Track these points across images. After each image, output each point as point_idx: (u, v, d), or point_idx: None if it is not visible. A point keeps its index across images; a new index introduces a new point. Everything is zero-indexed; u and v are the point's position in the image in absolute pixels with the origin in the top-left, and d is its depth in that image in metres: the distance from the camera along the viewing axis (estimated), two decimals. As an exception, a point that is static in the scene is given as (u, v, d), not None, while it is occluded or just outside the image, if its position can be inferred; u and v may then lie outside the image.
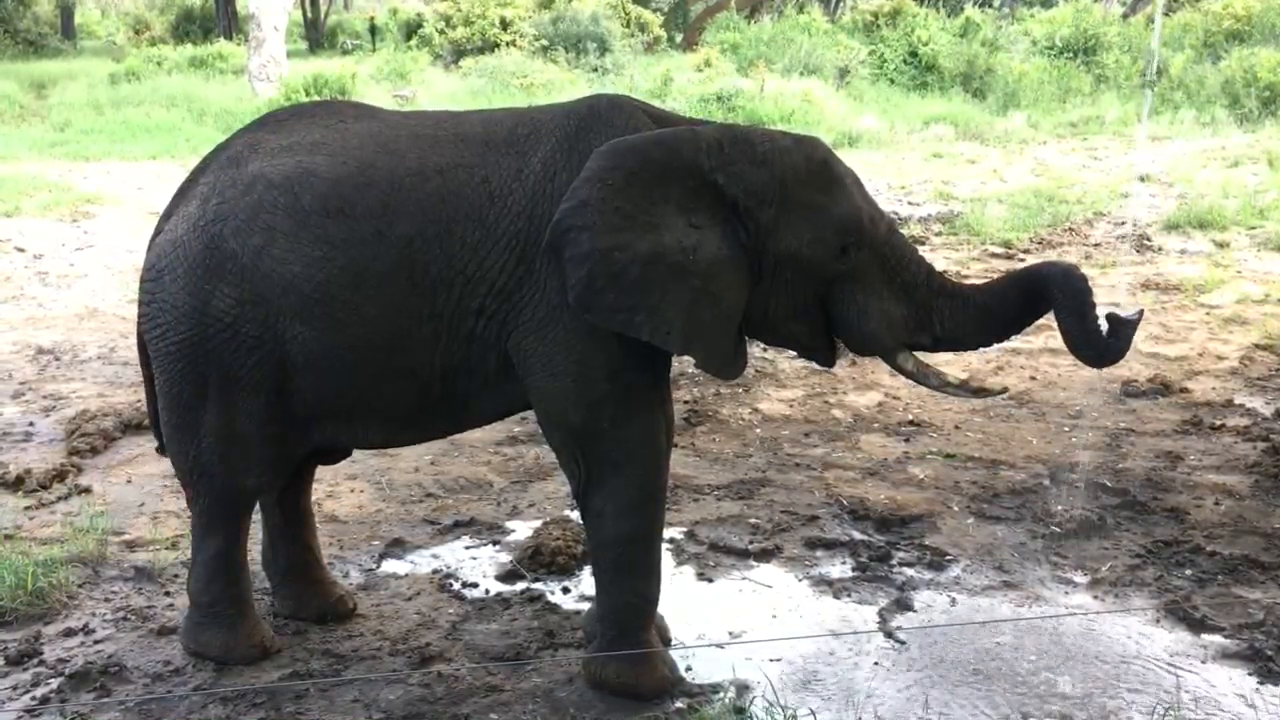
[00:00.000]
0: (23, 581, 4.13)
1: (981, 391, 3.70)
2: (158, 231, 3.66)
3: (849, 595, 4.41)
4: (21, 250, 9.84)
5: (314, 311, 3.43)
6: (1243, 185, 12.03)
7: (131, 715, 3.53)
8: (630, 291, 3.28)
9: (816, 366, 7.15)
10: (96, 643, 3.96)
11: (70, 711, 3.52)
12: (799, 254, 3.41)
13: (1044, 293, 3.40)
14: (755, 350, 6.48)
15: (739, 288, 3.40)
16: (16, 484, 5.27)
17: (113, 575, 4.45)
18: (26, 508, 5.07)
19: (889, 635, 4.10)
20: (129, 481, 5.40)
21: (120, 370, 6.99)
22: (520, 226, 3.41)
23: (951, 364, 7.27)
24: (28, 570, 4.17)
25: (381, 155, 3.48)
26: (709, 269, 3.34)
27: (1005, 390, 3.93)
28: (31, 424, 6.13)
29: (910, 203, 12.08)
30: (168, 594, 4.31)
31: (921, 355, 3.66)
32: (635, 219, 3.29)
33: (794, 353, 3.80)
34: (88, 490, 5.28)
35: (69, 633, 4.02)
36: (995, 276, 4.00)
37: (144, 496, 5.23)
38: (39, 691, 3.65)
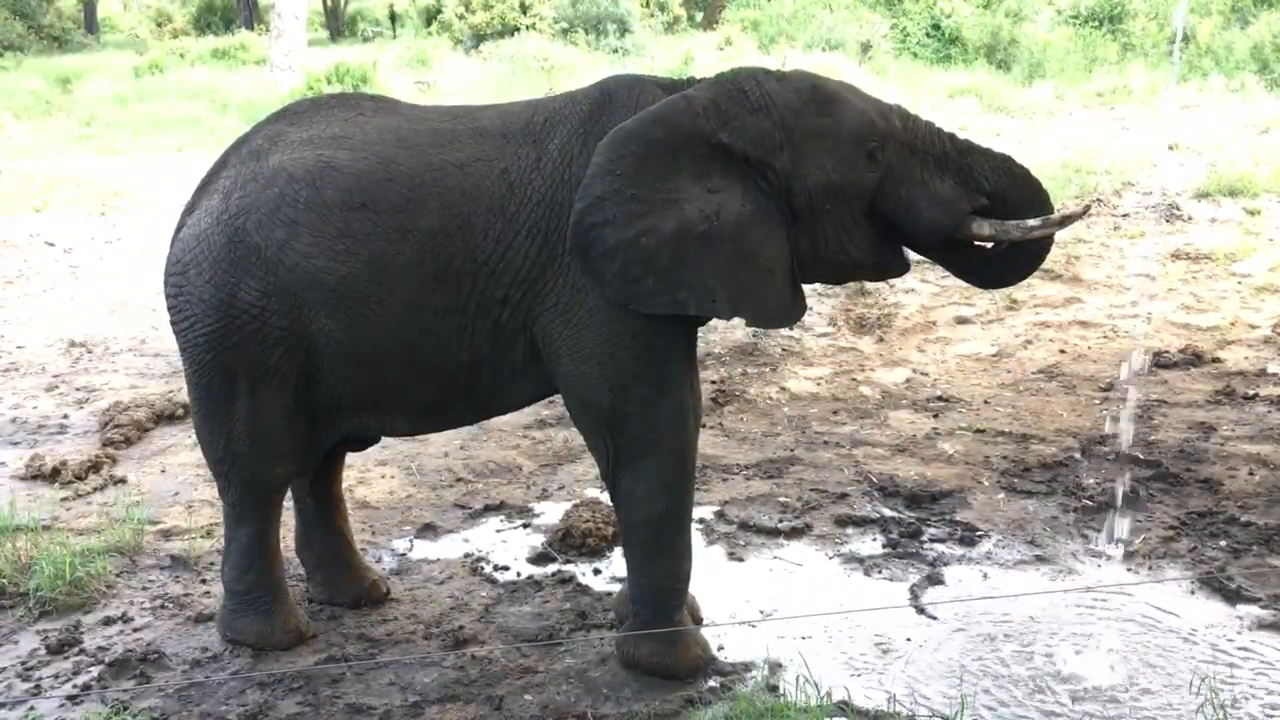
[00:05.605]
0: (61, 572, 4.18)
1: (1066, 220, 3.52)
2: (180, 225, 3.67)
3: (880, 572, 4.40)
4: (51, 244, 9.93)
5: (339, 304, 3.44)
6: (1273, 152, 11.85)
7: (171, 701, 3.58)
8: (667, 273, 3.29)
9: (843, 343, 7.13)
10: (135, 631, 4.01)
11: (111, 698, 3.57)
12: (829, 181, 3.39)
13: None
14: (782, 330, 6.48)
15: (774, 237, 3.40)
16: (53, 476, 5.33)
17: (149, 564, 4.50)
18: (63, 499, 5.13)
19: (921, 611, 4.09)
20: (163, 471, 5.46)
21: (151, 361, 7.05)
22: (541, 214, 3.42)
23: (979, 338, 7.23)
24: (66, 561, 4.22)
25: (402, 150, 3.50)
26: (737, 228, 3.34)
27: (1088, 209, 3.76)
28: (66, 416, 6.20)
29: (935, 177, 11.98)
30: (204, 582, 4.35)
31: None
32: (653, 201, 3.30)
33: (865, 281, 3.76)
34: (123, 481, 5.34)
35: (108, 621, 4.07)
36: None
37: (178, 486, 5.28)
38: (80, 679, 3.71)
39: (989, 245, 3.60)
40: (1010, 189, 3.50)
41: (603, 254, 3.29)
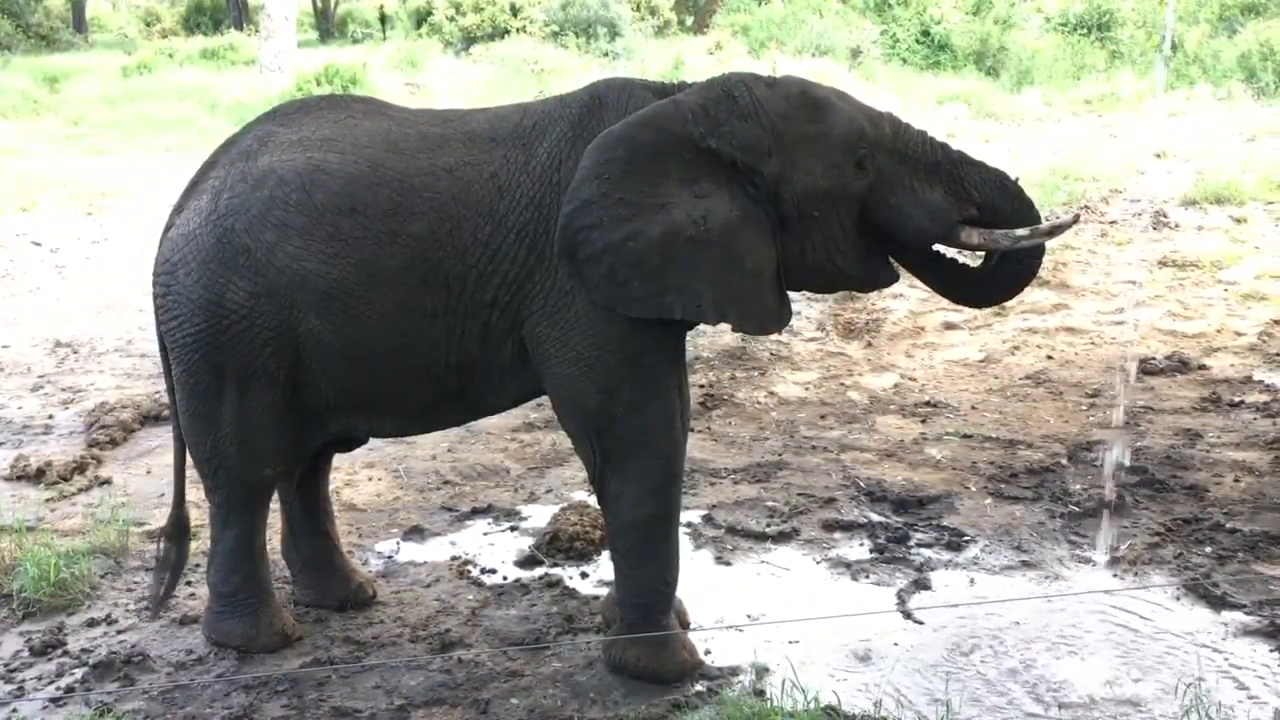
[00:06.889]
0: (46, 573, 4.16)
1: (1054, 229, 3.50)
2: (169, 225, 3.67)
3: (867, 577, 4.40)
4: (38, 244, 9.89)
5: (328, 307, 3.45)
6: (1260, 159, 11.92)
7: (155, 704, 3.56)
8: (654, 276, 3.29)
9: (832, 348, 7.14)
10: (120, 633, 4.00)
11: (95, 701, 3.55)
12: (818, 187, 3.38)
13: None
14: (771, 334, 6.48)
15: (761, 243, 3.40)
16: (38, 476, 5.31)
17: (134, 566, 4.48)
18: (48, 500, 5.11)
19: (908, 616, 4.10)
20: (149, 472, 5.43)
21: (138, 362, 7.02)
22: (529, 217, 3.43)
23: (966, 344, 7.25)
24: (50, 562, 4.20)
25: (392, 154, 3.50)
26: (724, 234, 3.34)
27: (1077, 218, 3.74)
28: (51, 417, 6.17)
29: (924, 183, 12.00)
30: (189, 584, 4.33)
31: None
32: (640, 205, 3.30)
33: (853, 291, 3.76)
34: (108, 482, 5.32)
35: (92, 623, 4.06)
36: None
37: (164, 487, 5.24)
38: (64, 681, 3.69)
39: (976, 262, 3.60)
40: (1001, 202, 3.49)
41: (590, 257, 3.29)
